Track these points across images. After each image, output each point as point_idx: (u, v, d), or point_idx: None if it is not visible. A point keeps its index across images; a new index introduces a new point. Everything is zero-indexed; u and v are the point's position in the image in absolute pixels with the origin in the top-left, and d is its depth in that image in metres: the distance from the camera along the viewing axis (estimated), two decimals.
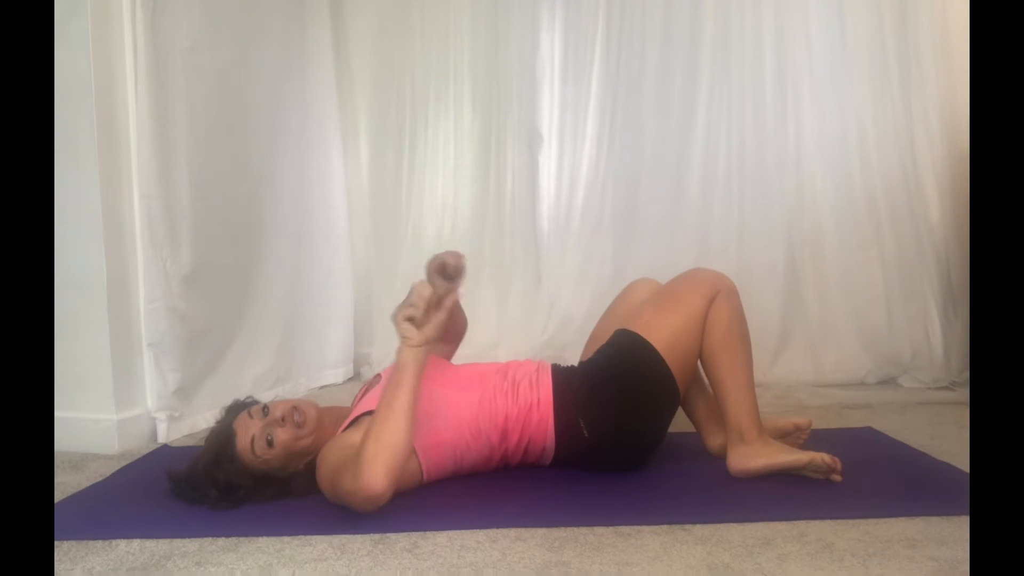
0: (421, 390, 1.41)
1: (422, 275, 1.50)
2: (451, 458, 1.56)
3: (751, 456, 1.58)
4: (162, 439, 2.05)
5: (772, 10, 2.80)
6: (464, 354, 1.93)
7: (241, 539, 1.33)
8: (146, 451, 1.96)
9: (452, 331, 1.79)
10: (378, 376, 1.70)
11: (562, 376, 1.67)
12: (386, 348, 3.08)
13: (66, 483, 1.69)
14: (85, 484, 1.68)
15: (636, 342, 1.66)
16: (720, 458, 1.69)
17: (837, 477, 1.55)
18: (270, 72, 2.61)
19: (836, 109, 2.80)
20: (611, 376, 1.65)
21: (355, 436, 1.42)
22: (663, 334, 1.64)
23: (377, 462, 1.31)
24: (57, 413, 1.85)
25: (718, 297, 1.66)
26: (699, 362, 1.71)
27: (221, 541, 1.33)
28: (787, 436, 1.76)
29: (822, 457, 1.54)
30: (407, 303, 1.43)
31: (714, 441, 1.78)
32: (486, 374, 1.67)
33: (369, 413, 1.47)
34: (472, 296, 3.11)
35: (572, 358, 1.91)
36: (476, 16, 3.03)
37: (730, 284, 1.70)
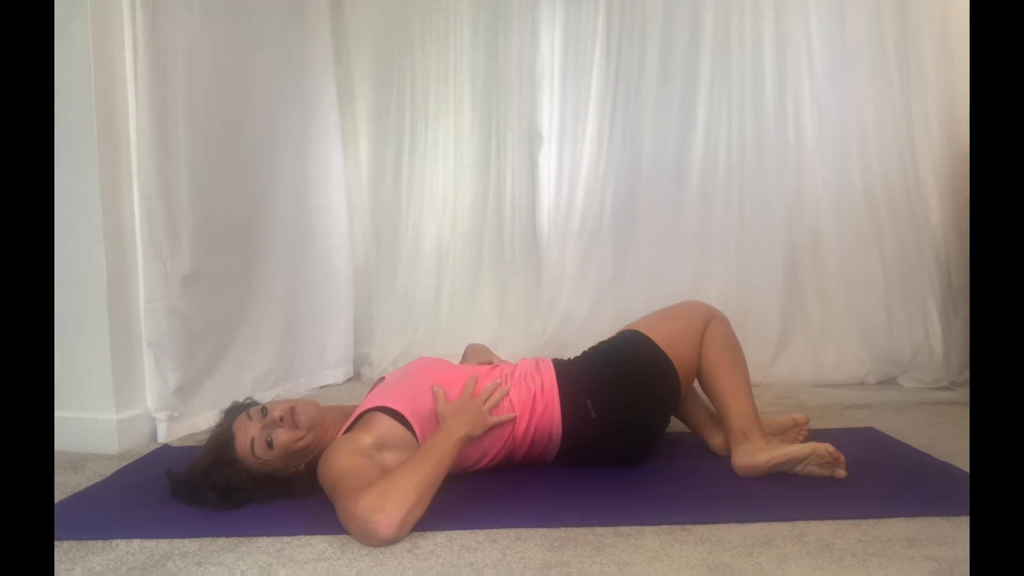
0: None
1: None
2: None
3: (755, 452, 1.60)
4: (162, 439, 2.06)
5: (772, 10, 2.81)
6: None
7: (241, 539, 1.34)
8: (146, 451, 1.96)
9: None
10: (382, 379, 1.70)
11: (563, 365, 1.71)
12: (386, 348, 3.08)
13: (66, 483, 1.69)
14: (85, 484, 1.68)
15: (636, 335, 1.73)
16: (723, 457, 1.72)
17: (841, 472, 1.57)
18: (270, 72, 2.61)
19: (836, 109, 2.80)
20: (612, 361, 1.70)
21: (364, 438, 1.43)
22: (662, 333, 1.72)
23: (403, 509, 1.28)
24: (57, 413, 1.86)
25: (713, 320, 1.76)
26: (695, 378, 1.76)
27: (221, 541, 1.33)
28: (787, 432, 1.82)
29: (825, 447, 1.57)
30: (486, 393, 1.56)
31: (716, 440, 1.81)
32: (483, 373, 1.67)
33: (376, 409, 1.48)
34: (472, 296, 3.12)
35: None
36: (476, 16, 3.03)
37: (723, 314, 1.80)
